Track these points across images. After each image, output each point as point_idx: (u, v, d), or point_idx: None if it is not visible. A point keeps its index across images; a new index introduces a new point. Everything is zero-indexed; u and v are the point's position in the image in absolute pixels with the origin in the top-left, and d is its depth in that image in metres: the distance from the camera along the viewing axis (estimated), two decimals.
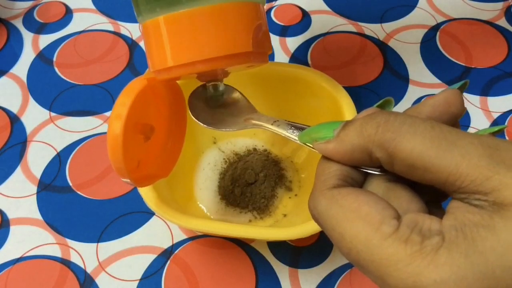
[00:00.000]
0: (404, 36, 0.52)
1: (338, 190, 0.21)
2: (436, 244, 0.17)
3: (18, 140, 0.44)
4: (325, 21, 0.53)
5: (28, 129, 0.44)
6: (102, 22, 0.53)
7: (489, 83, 0.48)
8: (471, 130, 0.44)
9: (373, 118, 0.20)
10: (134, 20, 0.53)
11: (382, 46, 0.51)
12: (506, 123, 0.45)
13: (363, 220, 0.19)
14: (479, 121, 0.45)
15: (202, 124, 0.30)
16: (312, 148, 0.23)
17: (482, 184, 0.18)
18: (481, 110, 0.46)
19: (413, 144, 0.19)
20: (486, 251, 0.17)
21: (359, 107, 0.33)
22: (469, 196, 0.18)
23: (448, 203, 0.19)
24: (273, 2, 0.55)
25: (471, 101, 0.46)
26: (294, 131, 0.26)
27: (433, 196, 0.22)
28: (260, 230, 0.33)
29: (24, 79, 0.48)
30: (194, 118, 0.31)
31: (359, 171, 0.22)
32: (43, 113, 0.46)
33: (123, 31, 0.52)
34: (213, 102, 0.32)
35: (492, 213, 0.18)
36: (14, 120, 0.45)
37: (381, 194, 0.21)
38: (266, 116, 0.29)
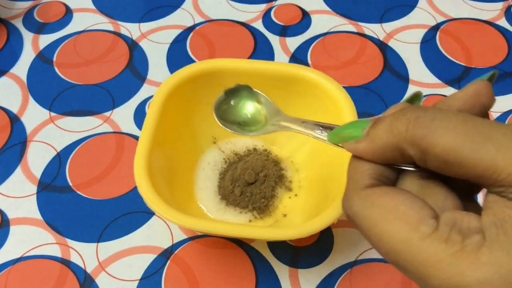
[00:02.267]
0: (404, 36, 0.52)
1: (373, 190, 0.20)
2: (477, 243, 0.17)
3: (18, 140, 0.44)
4: (325, 21, 0.53)
5: (28, 129, 0.44)
6: (102, 22, 0.53)
7: None
8: None
9: (403, 115, 0.20)
10: (134, 20, 0.53)
11: (382, 46, 0.51)
12: (506, 123, 0.45)
13: (401, 220, 0.19)
14: None
15: (230, 130, 0.30)
16: (342, 148, 0.23)
17: None
18: None
19: (446, 140, 0.18)
20: None
21: (359, 107, 0.33)
22: (506, 189, 0.18)
23: (485, 197, 0.19)
24: (273, 2, 0.55)
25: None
26: (322, 132, 0.25)
27: (467, 189, 0.21)
28: (260, 230, 0.33)
29: (24, 79, 0.48)
30: (221, 126, 0.30)
31: (392, 168, 0.22)
32: (43, 113, 0.46)
33: (123, 31, 0.52)
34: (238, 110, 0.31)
35: None
36: (14, 120, 0.45)
37: (416, 191, 0.21)
38: (293, 117, 0.29)
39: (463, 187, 0.21)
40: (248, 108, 0.31)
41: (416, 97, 0.25)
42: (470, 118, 0.19)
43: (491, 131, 0.18)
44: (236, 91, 0.31)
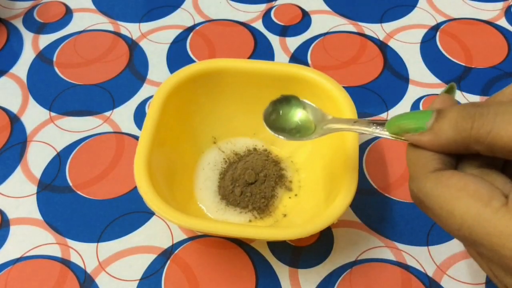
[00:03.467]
0: (404, 36, 0.52)
1: (441, 173, 0.22)
2: None
3: (18, 140, 0.44)
4: (325, 21, 0.53)
5: (28, 129, 0.44)
6: (102, 22, 0.53)
7: (489, 83, 0.48)
8: None
9: (467, 113, 0.21)
10: (134, 20, 0.53)
11: (382, 46, 0.51)
12: None
13: (472, 197, 0.20)
14: None
15: (282, 138, 0.31)
16: (402, 139, 0.24)
17: None
18: None
19: (510, 133, 0.20)
20: None
21: (359, 107, 0.33)
22: None
23: None
24: (273, 2, 0.55)
25: (471, 101, 0.46)
26: (377, 127, 0.26)
27: None
28: (260, 230, 0.33)
29: (24, 79, 0.48)
30: (274, 134, 0.32)
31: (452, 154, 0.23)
32: (43, 113, 0.46)
33: (123, 31, 0.52)
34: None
35: None
36: (14, 120, 0.45)
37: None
38: (343, 118, 0.30)
39: None
40: (298, 115, 0.32)
41: (452, 88, 0.26)
42: None
43: None
44: (284, 101, 0.32)
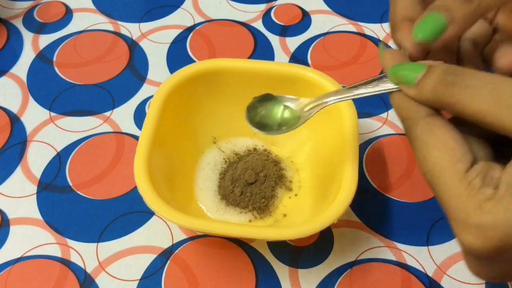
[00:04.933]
0: None
1: (433, 119, 0.24)
2: (489, 195, 0.21)
3: (18, 140, 0.44)
4: (325, 21, 0.53)
5: (28, 129, 0.44)
6: (102, 22, 0.53)
7: None
8: None
9: (445, 78, 0.23)
10: (134, 20, 0.53)
11: None
12: None
13: (447, 153, 0.23)
14: None
15: (271, 135, 0.32)
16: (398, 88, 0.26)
17: None
18: None
19: (476, 107, 0.22)
20: None
21: (359, 107, 0.33)
22: None
23: None
24: (273, 2, 0.55)
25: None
26: (359, 88, 0.28)
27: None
28: (260, 230, 0.33)
29: (24, 79, 0.48)
30: (262, 133, 0.32)
31: None
32: (43, 113, 0.46)
33: (123, 31, 0.52)
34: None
35: None
36: (14, 120, 0.45)
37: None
38: (324, 94, 0.31)
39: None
40: (280, 111, 0.33)
41: (383, 46, 0.28)
42: (501, 84, 0.21)
43: None
44: (264, 100, 0.33)
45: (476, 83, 0.22)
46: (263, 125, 0.32)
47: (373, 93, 0.27)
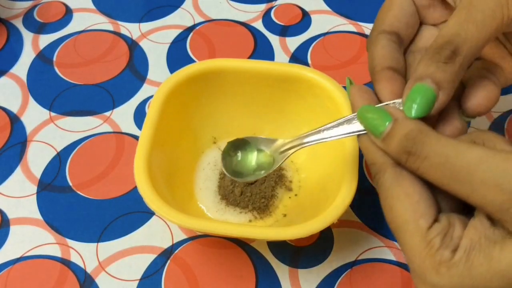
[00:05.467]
0: None
1: (400, 169, 0.24)
2: (445, 258, 0.22)
3: (18, 140, 0.44)
4: (325, 21, 0.53)
5: (28, 129, 0.44)
6: (102, 22, 0.53)
7: None
8: (470, 130, 0.44)
9: (405, 146, 0.23)
10: (134, 20, 0.53)
11: None
12: (505, 124, 0.45)
13: (411, 207, 0.23)
14: (479, 121, 0.45)
15: (245, 180, 0.35)
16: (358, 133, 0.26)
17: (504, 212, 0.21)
18: None
19: (432, 177, 0.23)
20: (476, 275, 0.21)
21: None
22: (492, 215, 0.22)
23: (476, 211, 0.23)
24: (273, 2, 0.55)
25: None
26: (337, 129, 0.28)
27: None
28: (260, 230, 0.33)
29: (24, 79, 0.48)
30: (242, 181, 0.35)
31: None
32: (43, 113, 0.46)
33: (123, 31, 0.52)
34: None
35: (502, 240, 0.21)
36: (14, 120, 0.45)
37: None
38: (295, 137, 0.31)
39: None
40: (254, 157, 0.34)
41: (350, 82, 0.30)
42: (455, 156, 0.22)
43: (472, 173, 0.22)
44: (237, 147, 0.34)
45: (432, 155, 0.23)
46: (239, 173, 0.34)
47: (345, 136, 0.27)
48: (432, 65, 0.25)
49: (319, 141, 0.29)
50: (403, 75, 0.28)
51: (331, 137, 0.28)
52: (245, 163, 0.34)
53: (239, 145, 0.34)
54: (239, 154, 0.34)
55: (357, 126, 0.27)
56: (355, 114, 0.27)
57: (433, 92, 0.24)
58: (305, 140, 0.30)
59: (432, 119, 0.26)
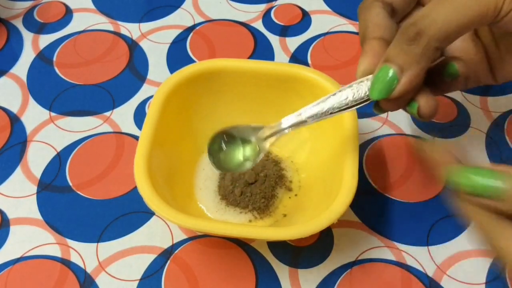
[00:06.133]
0: None
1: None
2: None
3: (18, 140, 0.44)
4: (325, 21, 0.53)
5: (28, 129, 0.44)
6: (102, 22, 0.53)
7: None
8: (471, 130, 0.44)
9: None
10: (134, 20, 0.53)
11: None
12: (505, 124, 0.45)
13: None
14: (479, 121, 0.45)
15: (241, 171, 0.35)
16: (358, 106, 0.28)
17: None
18: (481, 110, 0.46)
19: None
20: None
21: (359, 107, 0.33)
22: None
23: None
24: (273, 2, 0.55)
25: (471, 101, 0.46)
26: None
27: None
28: (260, 230, 0.33)
29: (24, 79, 0.48)
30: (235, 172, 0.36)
31: None
32: (43, 113, 0.46)
33: (123, 31, 0.52)
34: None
35: None
36: (14, 120, 0.45)
37: None
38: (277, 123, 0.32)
39: None
40: (240, 149, 0.34)
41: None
42: None
43: None
44: (216, 141, 0.34)
45: None
46: (227, 168, 0.34)
47: (322, 117, 0.29)
48: (397, 47, 0.24)
49: (300, 123, 0.30)
50: None
51: (311, 117, 0.29)
52: (231, 156, 0.34)
53: (223, 137, 0.34)
54: (225, 151, 0.34)
55: (330, 102, 0.28)
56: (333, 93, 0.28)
57: (395, 74, 0.24)
58: (284, 124, 0.31)
59: (405, 100, 0.26)
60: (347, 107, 0.29)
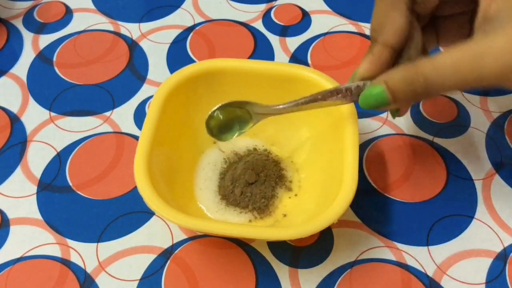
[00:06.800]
0: None
1: None
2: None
3: (18, 140, 0.44)
4: (325, 21, 0.53)
5: (28, 129, 0.44)
6: (102, 22, 0.53)
7: None
8: (471, 130, 0.44)
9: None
10: (134, 20, 0.53)
11: None
12: (505, 124, 0.45)
13: None
14: (479, 121, 0.45)
15: (233, 137, 0.37)
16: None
17: None
18: (481, 110, 0.46)
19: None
20: None
21: (359, 107, 0.33)
22: None
23: None
24: (273, 2, 0.55)
25: (471, 101, 0.46)
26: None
27: None
28: (260, 230, 0.33)
29: (24, 79, 0.48)
30: (225, 141, 0.38)
31: None
32: (43, 113, 0.46)
33: (123, 31, 0.52)
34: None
35: None
36: (14, 120, 0.45)
37: None
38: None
39: None
40: (234, 114, 0.37)
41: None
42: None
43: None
44: (214, 112, 0.37)
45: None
46: (222, 135, 0.37)
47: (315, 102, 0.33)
48: (402, 84, 0.28)
49: (293, 106, 0.34)
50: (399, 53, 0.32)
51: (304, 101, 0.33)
52: (226, 122, 0.37)
53: (224, 108, 0.36)
54: (220, 115, 0.37)
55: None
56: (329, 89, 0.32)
57: (388, 100, 0.29)
58: (280, 106, 0.34)
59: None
60: (337, 93, 0.32)
